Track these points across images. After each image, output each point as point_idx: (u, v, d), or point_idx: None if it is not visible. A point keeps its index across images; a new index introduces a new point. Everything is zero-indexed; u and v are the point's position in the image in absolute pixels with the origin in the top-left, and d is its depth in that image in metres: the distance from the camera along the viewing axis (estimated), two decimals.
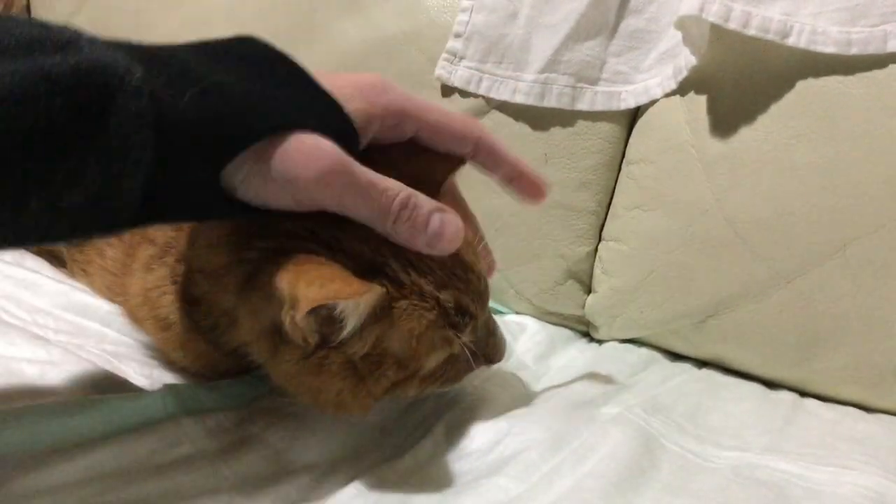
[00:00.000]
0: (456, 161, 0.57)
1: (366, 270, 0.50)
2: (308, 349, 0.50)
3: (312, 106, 0.47)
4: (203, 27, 1.02)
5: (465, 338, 0.55)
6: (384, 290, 0.49)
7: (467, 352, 0.54)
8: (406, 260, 0.51)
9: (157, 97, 0.40)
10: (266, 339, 0.51)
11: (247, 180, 0.45)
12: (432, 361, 0.54)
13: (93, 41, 0.40)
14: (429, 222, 0.49)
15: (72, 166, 0.38)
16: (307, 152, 0.45)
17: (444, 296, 0.52)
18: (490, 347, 0.59)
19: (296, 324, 0.47)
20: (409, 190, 0.49)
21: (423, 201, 0.49)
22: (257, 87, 0.46)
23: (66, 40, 0.39)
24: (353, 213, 0.48)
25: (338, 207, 0.47)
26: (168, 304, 0.59)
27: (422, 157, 0.55)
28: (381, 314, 0.50)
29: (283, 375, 0.53)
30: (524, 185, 0.59)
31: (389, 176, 0.49)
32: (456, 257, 0.53)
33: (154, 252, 0.61)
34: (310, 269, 0.46)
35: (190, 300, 0.57)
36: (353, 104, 0.49)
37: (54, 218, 0.39)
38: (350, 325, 0.48)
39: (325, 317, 0.48)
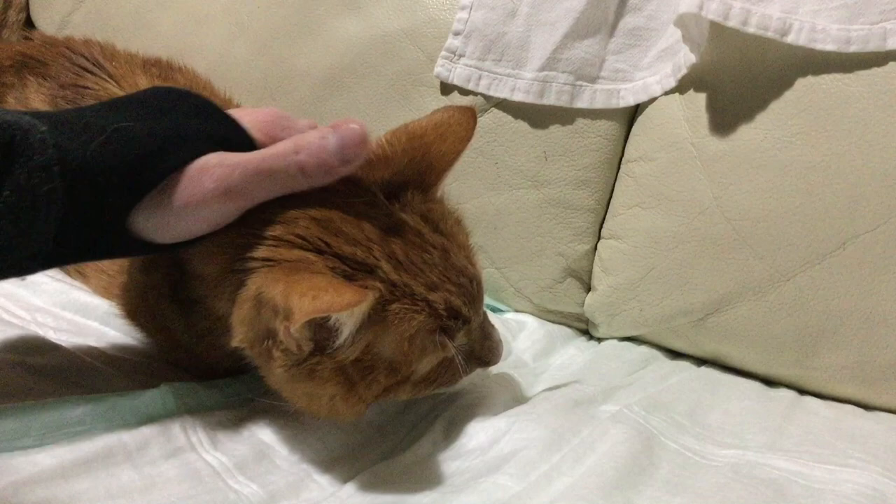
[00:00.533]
0: (443, 166, 0.58)
1: (358, 272, 0.50)
2: (302, 356, 0.50)
3: (212, 129, 0.50)
4: (201, 25, 1.02)
5: (459, 341, 0.55)
6: (378, 294, 0.49)
7: (459, 357, 0.54)
8: (397, 261, 0.51)
9: (62, 149, 0.42)
10: (260, 346, 0.51)
11: (152, 219, 0.48)
12: (424, 366, 0.54)
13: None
14: (326, 146, 0.49)
15: None
16: (203, 174, 0.47)
17: (435, 297, 0.52)
18: (486, 350, 0.59)
19: (290, 334, 0.47)
20: (293, 138, 0.50)
21: (311, 133, 0.50)
22: (160, 125, 0.48)
23: None
24: (270, 195, 0.49)
25: (252, 200, 0.49)
26: (165, 306, 0.59)
27: (412, 163, 0.56)
28: (374, 317, 0.50)
29: (277, 381, 0.53)
30: None
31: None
32: (448, 261, 0.53)
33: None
34: (302, 280, 0.47)
35: (187, 302, 0.57)
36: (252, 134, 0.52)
37: None
38: (345, 333, 0.49)
39: (320, 326, 0.48)
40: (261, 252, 0.50)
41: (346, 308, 0.46)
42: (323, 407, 0.53)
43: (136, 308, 0.64)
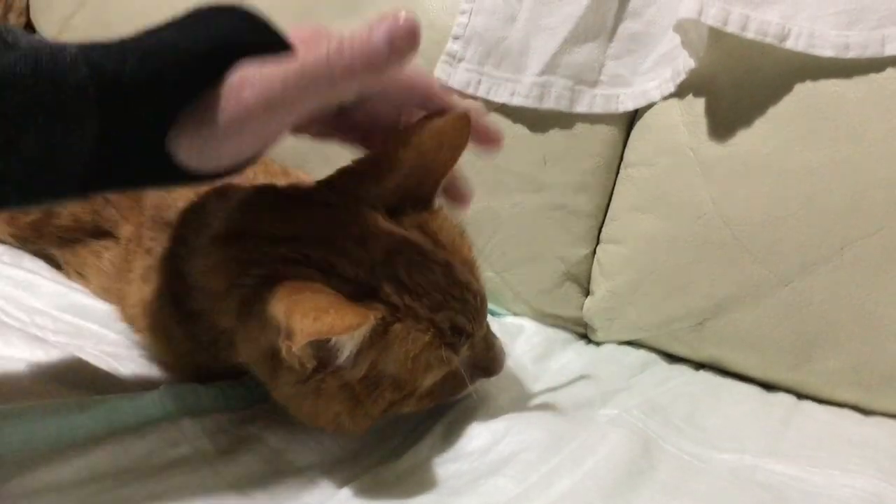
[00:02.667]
0: (440, 174, 0.57)
1: (360, 294, 0.50)
2: (305, 373, 0.50)
3: (254, 37, 0.46)
4: None
5: (463, 354, 0.55)
6: (379, 315, 0.49)
7: (463, 370, 0.55)
8: (400, 283, 0.51)
9: (95, 66, 0.40)
10: (264, 363, 0.52)
11: (196, 141, 0.44)
12: (429, 380, 0.55)
13: (28, 37, 0.41)
14: (372, 40, 0.43)
15: (11, 136, 0.39)
16: (243, 87, 0.43)
17: (440, 317, 0.52)
18: (489, 360, 0.60)
19: (292, 352, 0.47)
20: (336, 39, 0.43)
21: (354, 31, 0.43)
22: (202, 35, 0.44)
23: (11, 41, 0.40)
24: (318, 104, 0.45)
25: (298, 112, 0.44)
26: (167, 316, 0.59)
27: (411, 173, 0.55)
28: (376, 338, 0.50)
29: (283, 397, 0.53)
30: (479, 133, 0.57)
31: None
32: (451, 277, 0.54)
33: (151, 263, 0.61)
34: (304, 299, 0.47)
35: (189, 314, 0.57)
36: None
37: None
38: (346, 352, 0.49)
39: (321, 345, 0.48)
40: (264, 270, 0.50)
41: (347, 331, 0.46)
42: (329, 422, 0.53)
43: (136, 316, 0.64)
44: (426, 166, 0.56)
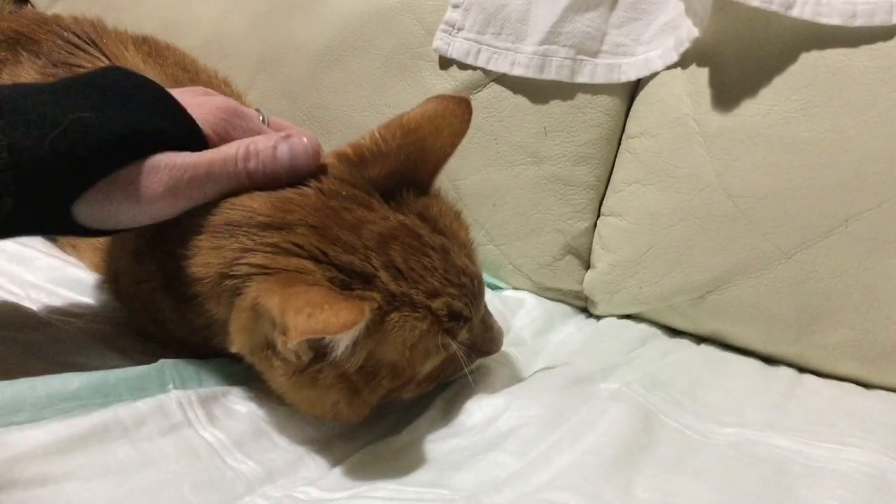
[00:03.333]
0: (439, 160, 0.57)
1: (355, 282, 0.49)
2: (302, 364, 0.50)
3: (166, 126, 0.51)
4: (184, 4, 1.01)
5: (461, 338, 0.55)
6: (375, 305, 0.49)
7: (461, 353, 0.54)
8: (396, 270, 0.50)
9: (15, 150, 0.44)
10: (259, 354, 0.51)
11: (97, 209, 0.49)
12: (427, 367, 0.54)
13: None
14: (276, 156, 0.51)
15: None
16: (151, 174, 0.49)
17: (437, 304, 0.51)
18: (487, 341, 0.60)
19: (287, 347, 0.47)
20: (245, 140, 0.52)
21: (262, 141, 0.52)
22: (116, 117, 0.49)
23: None
24: (215, 196, 0.51)
25: (197, 201, 0.51)
26: (160, 299, 0.58)
27: (408, 158, 0.55)
28: (373, 328, 0.49)
29: (279, 387, 0.53)
30: None
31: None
32: (448, 261, 0.53)
33: (142, 243, 0.60)
34: (298, 293, 0.46)
35: (182, 298, 0.56)
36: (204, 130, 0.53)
37: None
38: (342, 346, 0.48)
39: (317, 340, 0.48)
40: (257, 259, 0.49)
41: (342, 330, 0.45)
42: (327, 411, 0.53)
43: (128, 296, 0.63)
44: (424, 150, 0.55)
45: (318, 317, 0.44)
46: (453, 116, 0.56)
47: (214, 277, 0.51)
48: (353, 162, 0.54)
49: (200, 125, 0.52)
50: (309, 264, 0.49)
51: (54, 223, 0.49)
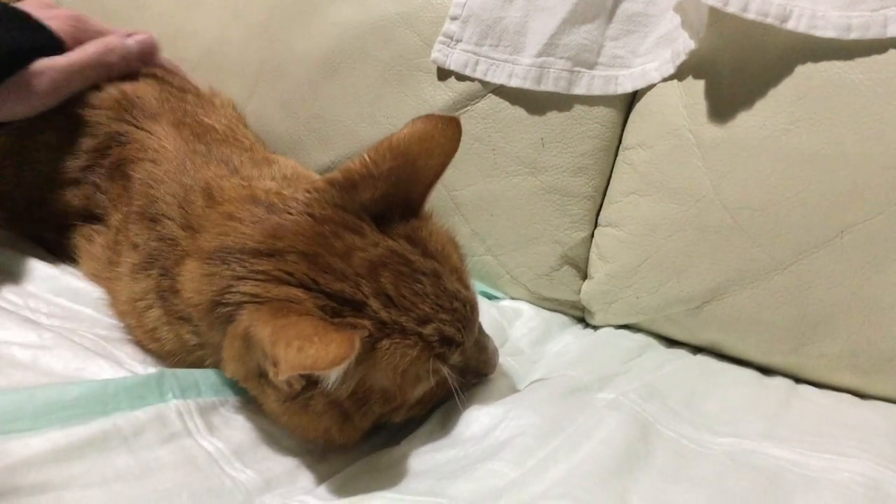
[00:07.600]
0: (430, 181, 0.57)
1: (346, 309, 0.49)
2: (293, 392, 0.50)
3: (39, 37, 0.66)
4: (195, 8, 1.01)
5: (454, 361, 0.55)
6: (365, 333, 0.49)
7: (453, 378, 0.54)
8: (386, 297, 0.50)
9: None
10: (252, 381, 0.52)
11: None
12: (418, 391, 0.54)
13: None
14: (130, 49, 0.73)
15: None
16: (36, 77, 0.65)
17: (428, 330, 0.51)
18: (481, 363, 0.60)
19: (278, 377, 0.47)
20: (102, 40, 0.70)
21: (113, 39, 0.72)
22: (3, 36, 0.63)
23: None
24: (88, 86, 0.69)
25: (74, 91, 0.68)
26: (155, 318, 0.58)
27: (398, 181, 0.55)
28: (363, 356, 0.49)
29: (272, 413, 0.53)
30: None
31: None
32: (439, 287, 0.53)
33: (137, 261, 0.60)
34: (288, 326, 0.46)
35: (176, 317, 0.56)
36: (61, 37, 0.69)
37: None
38: (333, 376, 0.48)
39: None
40: (249, 287, 0.49)
41: (331, 366, 0.45)
42: (319, 435, 0.53)
43: (125, 314, 0.63)
44: (415, 172, 0.55)
45: (308, 351, 0.44)
46: (443, 136, 0.55)
47: (207, 305, 0.51)
48: (344, 187, 0.54)
49: (59, 34, 0.67)
50: (300, 293, 0.49)
51: None
